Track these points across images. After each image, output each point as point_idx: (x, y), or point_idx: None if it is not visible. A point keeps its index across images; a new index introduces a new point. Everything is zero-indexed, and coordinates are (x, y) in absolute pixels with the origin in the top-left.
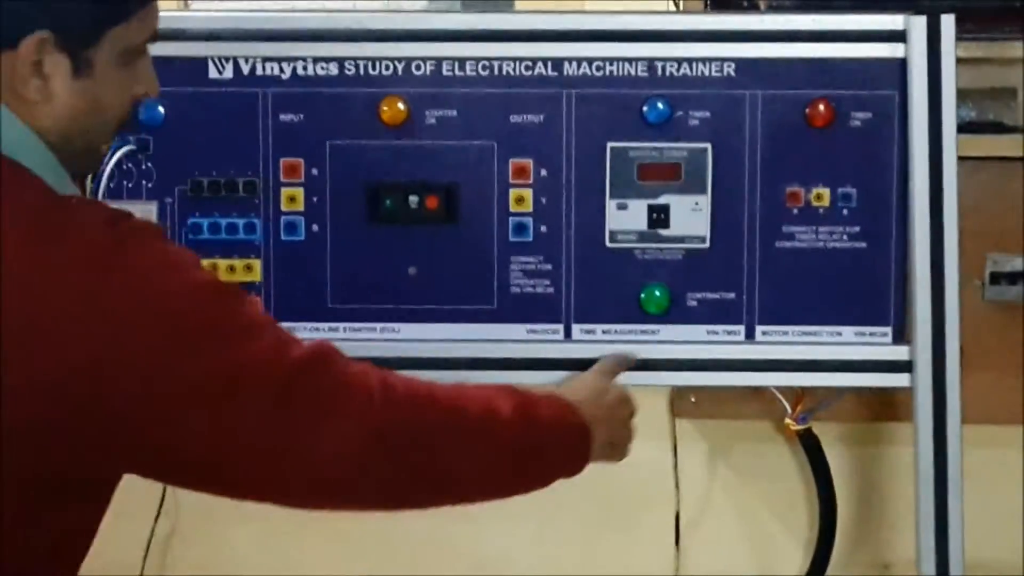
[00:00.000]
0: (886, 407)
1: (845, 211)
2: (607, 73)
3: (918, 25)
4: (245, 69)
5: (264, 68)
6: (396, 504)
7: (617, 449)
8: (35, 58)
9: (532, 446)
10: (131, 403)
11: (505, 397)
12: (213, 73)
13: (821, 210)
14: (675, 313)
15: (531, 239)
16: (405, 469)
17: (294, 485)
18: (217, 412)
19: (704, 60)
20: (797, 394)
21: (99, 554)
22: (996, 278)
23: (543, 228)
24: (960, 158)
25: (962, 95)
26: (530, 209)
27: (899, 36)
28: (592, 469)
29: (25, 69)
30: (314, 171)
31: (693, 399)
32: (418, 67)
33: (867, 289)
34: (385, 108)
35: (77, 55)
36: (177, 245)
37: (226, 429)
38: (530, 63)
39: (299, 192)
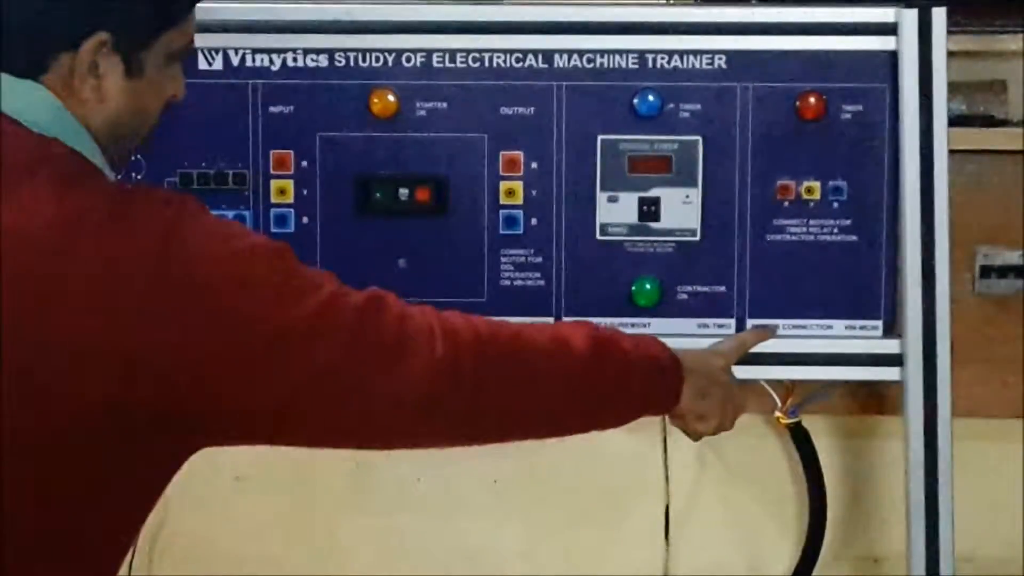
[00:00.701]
0: (876, 400)
1: (836, 204)
2: (598, 65)
3: (909, 18)
4: (235, 60)
5: (254, 60)
6: (467, 439)
7: (713, 409)
8: (92, 58)
9: (609, 377)
10: (206, 368)
11: (581, 329)
12: (203, 64)
13: (812, 203)
14: (666, 306)
15: (521, 232)
16: (472, 403)
17: (369, 425)
18: (290, 365)
19: (695, 53)
20: (787, 387)
21: None
22: (986, 271)
23: (533, 221)
24: (950, 151)
25: (952, 88)
26: (520, 202)
27: (890, 29)
28: (581, 462)
29: (83, 69)
30: (304, 163)
31: None
32: (408, 59)
33: (858, 282)
34: (375, 100)
35: (130, 57)
36: (220, 218)
37: (301, 380)
38: (521, 55)
39: (289, 184)
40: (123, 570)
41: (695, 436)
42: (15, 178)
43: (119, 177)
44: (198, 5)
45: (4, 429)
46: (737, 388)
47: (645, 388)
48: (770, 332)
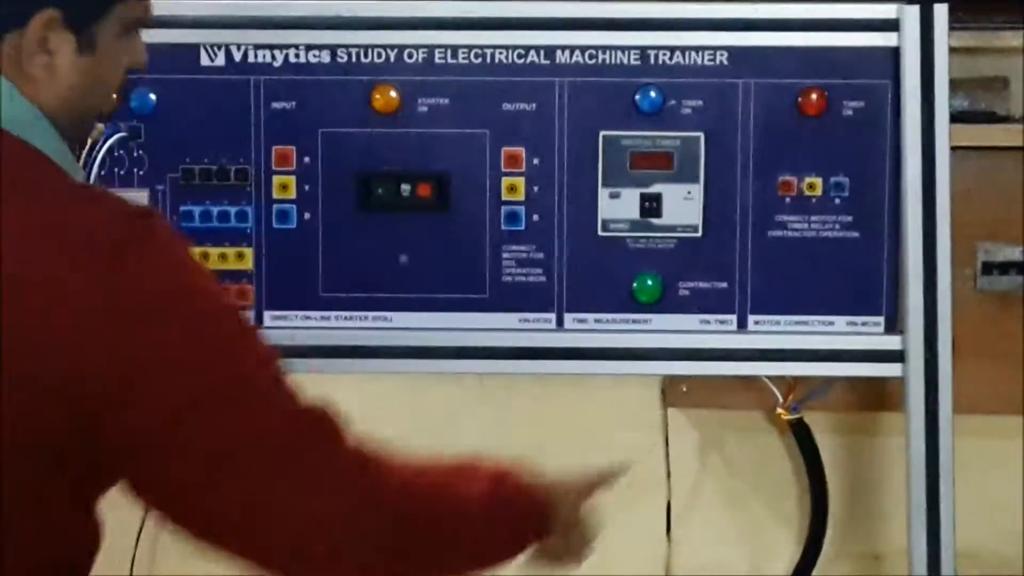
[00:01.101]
0: (878, 397)
1: (837, 200)
2: (600, 61)
3: (911, 14)
4: (237, 56)
5: (256, 55)
6: None
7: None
8: (42, 35)
9: (506, 522)
10: (123, 409)
11: (475, 473)
12: (205, 60)
13: (813, 199)
14: (667, 302)
15: (523, 228)
16: (385, 545)
17: (264, 541)
18: (205, 434)
19: (697, 49)
20: (789, 383)
21: None
22: (988, 267)
23: (535, 217)
24: (952, 148)
25: (954, 84)
26: (522, 198)
27: (892, 25)
28: (582, 458)
29: (31, 46)
30: (306, 159)
31: (685, 388)
32: (410, 55)
33: (859, 278)
34: (377, 96)
35: (82, 32)
36: (190, 254)
37: (211, 455)
38: (523, 51)
39: (291, 180)
40: (124, 570)
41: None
42: None
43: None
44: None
45: None
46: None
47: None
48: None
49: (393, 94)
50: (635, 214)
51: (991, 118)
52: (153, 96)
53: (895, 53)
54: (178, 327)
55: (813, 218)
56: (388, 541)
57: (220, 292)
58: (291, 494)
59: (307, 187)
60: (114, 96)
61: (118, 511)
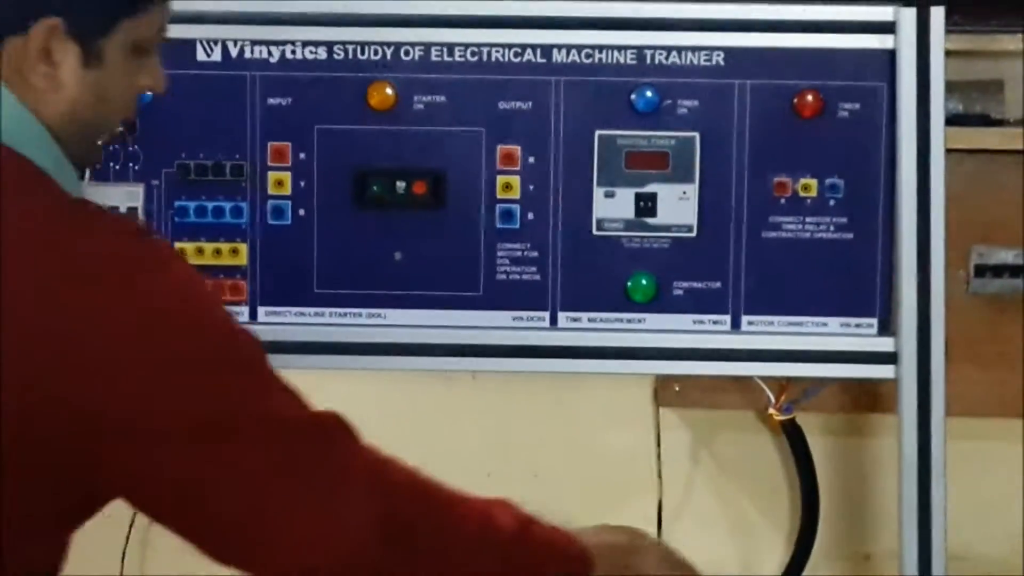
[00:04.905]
0: (870, 398)
1: (832, 202)
2: (596, 61)
3: (907, 17)
4: (233, 52)
5: (252, 51)
6: None
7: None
8: (44, 44)
9: (528, 564)
10: (126, 435)
11: (504, 509)
12: (201, 56)
13: (808, 200)
14: (661, 302)
15: (518, 226)
16: (394, 562)
17: (273, 556)
18: (209, 455)
19: (693, 49)
20: (781, 384)
21: (78, 548)
22: (981, 270)
23: (530, 215)
24: (947, 150)
25: (949, 87)
26: (517, 196)
27: (888, 27)
28: (574, 458)
29: (33, 55)
30: (302, 155)
31: (677, 388)
32: (407, 52)
33: (853, 280)
34: (373, 93)
35: (88, 45)
36: (193, 273)
37: (215, 475)
38: (519, 50)
39: (286, 176)
40: (115, 569)
41: None
42: None
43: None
44: None
45: None
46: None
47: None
48: None
49: (389, 91)
50: (630, 213)
51: (986, 121)
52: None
53: (891, 55)
54: (187, 346)
55: (808, 219)
56: (401, 547)
57: (225, 311)
58: (308, 505)
59: (302, 183)
60: (124, 117)
61: (108, 509)
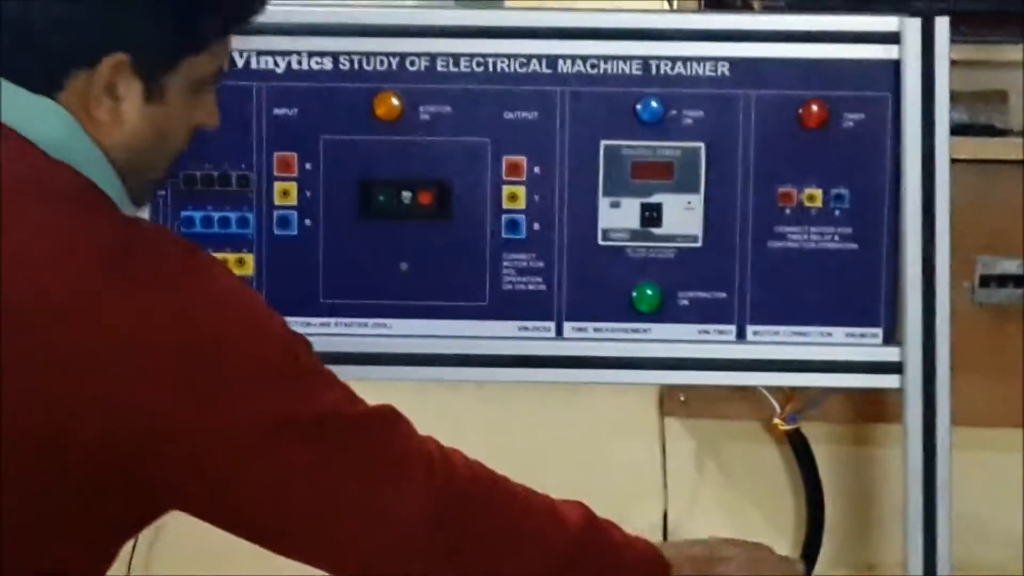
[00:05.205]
0: (875, 408)
1: (837, 212)
2: (601, 71)
3: (912, 27)
4: (240, 63)
5: (259, 62)
6: None
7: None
8: (110, 79)
9: (594, 563)
10: (186, 440)
11: (578, 509)
12: None
13: (813, 211)
14: (666, 312)
15: (524, 236)
16: (455, 543)
17: (337, 542)
18: (279, 457)
19: (698, 59)
20: (786, 394)
21: None
22: (986, 280)
23: (536, 225)
24: (951, 160)
25: (953, 97)
26: (523, 206)
27: (893, 38)
28: (579, 467)
29: (99, 89)
30: (307, 166)
31: (682, 398)
32: (412, 63)
33: (858, 290)
34: (379, 103)
35: (151, 81)
36: (243, 284)
37: (285, 475)
38: (524, 60)
39: (292, 186)
40: (122, 570)
41: None
42: (18, 205)
43: (142, 208)
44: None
45: None
46: (765, 551)
47: None
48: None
49: (395, 101)
50: (635, 223)
51: (990, 131)
52: None
53: (896, 66)
54: (243, 351)
55: (813, 229)
56: (459, 535)
57: (276, 316)
58: (367, 495)
59: (308, 194)
60: (179, 152)
61: None
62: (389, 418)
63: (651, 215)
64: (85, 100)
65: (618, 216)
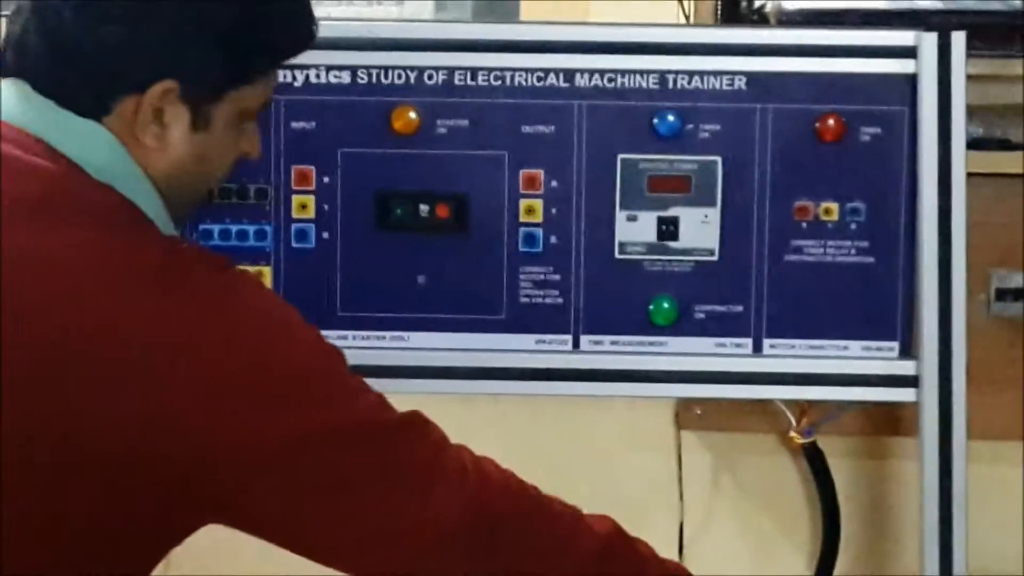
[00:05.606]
0: (891, 421)
1: (853, 226)
2: (618, 85)
3: (929, 42)
4: None
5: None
6: None
7: None
8: (158, 105)
9: (622, 570)
10: (223, 453)
11: (606, 522)
12: None
13: (830, 224)
14: (683, 325)
15: (540, 250)
16: (488, 550)
17: (372, 551)
18: (315, 468)
19: (715, 73)
20: (802, 407)
21: None
22: (1001, 294)
23: (553, 239)
24: (967, 174)
25: (969, 112)
26: (540, 220)
27: (910, 52)
28: (595, 478)
29: (146, 115)
30: (325, 179)
31: (699, 411)
32: (430, 76)
33: (874, 304)
34: (397, 117)
35: (198, 109)
36: (279, 297)
37: (322, 486)
38: (541, 74)
39: (310, 200)
40: None
41: None
42: (62, 225)
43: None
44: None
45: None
46: None
47: None
48: None
49: (412, 115)
50: (652, 237)
51: (1006, 145)
52: None
53: (912, 80)
54: (278, 363)
55: (829, 243)
56: (489, 540)
57: (310, 329)
58: (401, 502)
59: (326, 207)
60: (221, 179)
61: None
62: (420, 425)
63: (668, 228)
64: (132, 125)
65: (635, 229)
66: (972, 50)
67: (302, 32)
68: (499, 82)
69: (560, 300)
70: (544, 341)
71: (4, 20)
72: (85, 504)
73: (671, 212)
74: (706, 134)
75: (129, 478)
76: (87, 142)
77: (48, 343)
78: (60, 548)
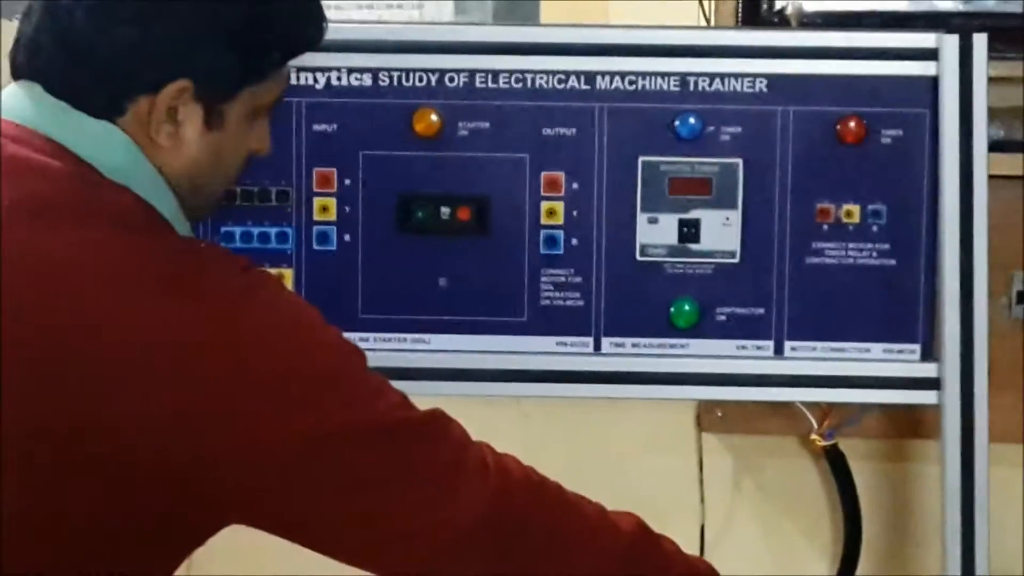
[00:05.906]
0: (913, 424)
1: (875, 228)
2: (639, 87)
3: (950, 44)
4: None
5: (299, 78)
6: None
7: None
8: (172, 104)
9: (649, 570)
10: (244, 454)
11: (630, 518)
12: None
13: (851, 227)
14: (704, 327)
15: (562, 252)
16: (509, 546)
17: (394, 550)
18: (336, 468)
19: (736, 76)
20: (824, 410)
21: None
22: (1022, 296)
23: (574, 241)
24: (988, 176)
25: (990, 114)
26: (561, 222)
27: (931, 54)
28: (616, 480)
29: (160, 115)
30: (347, 181)
31: (720, 414)
32: (451, 79)
33: (896, 306)
34: (418, 119)
35: (211, 108)
36: (300, 297)
37: (343, 486)
38: (563, 76)
39: (332, 202)
40: None
41: None
42: (78, 225)
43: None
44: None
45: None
46: None
47: None
48: None
49: (434, 118)
50: (673, 239)
51: None
52: None
53: (934, 82)
54: (301, 363)
55: (850, 245)
56: (511, 538)
57: (331, 329)
58: (423, 499)
59: (347, 209)
60: (234, 177)
61: None
62: (441, 423)
63: (689, 231)
64: (145, 125)
65: (656, 232)
66: (993, 52)
67: (313, 28)
68: (520, 84)
69: (581, 302)
70: (565, 343)
71: (15, 22)
72: (85, 503)
73: (692, 214)
74: (727, 136)
75: (130, 478)
76: (102, 143)
77: (48, 343)
78: (60, 547)
